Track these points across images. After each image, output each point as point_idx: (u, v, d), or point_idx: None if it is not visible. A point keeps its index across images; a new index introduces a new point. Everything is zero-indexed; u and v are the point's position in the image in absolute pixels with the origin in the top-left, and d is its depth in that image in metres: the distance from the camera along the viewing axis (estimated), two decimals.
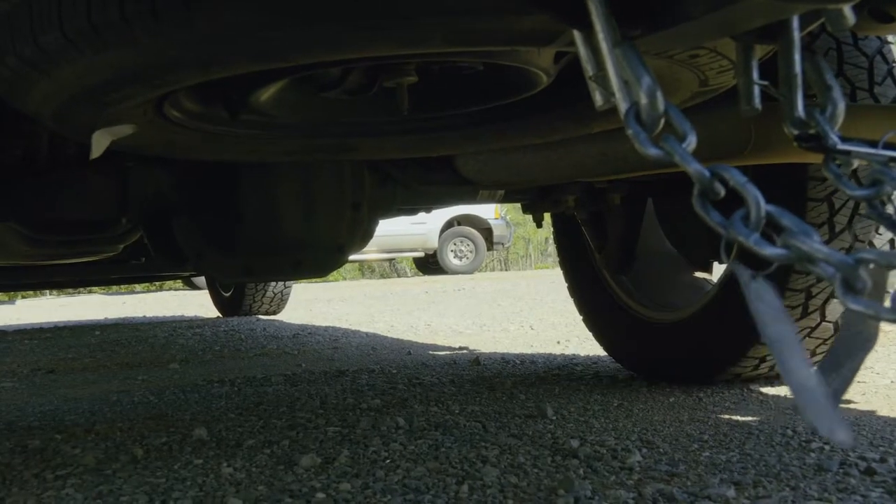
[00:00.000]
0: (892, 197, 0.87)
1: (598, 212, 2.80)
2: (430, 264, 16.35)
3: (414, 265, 18.35)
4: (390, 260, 19.12)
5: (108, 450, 2.11)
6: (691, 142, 0.83)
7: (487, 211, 15.93)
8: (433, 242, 15.84)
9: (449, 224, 15.91)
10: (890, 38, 2.36)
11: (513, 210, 17.70)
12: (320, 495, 1.61)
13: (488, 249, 16.62)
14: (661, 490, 1.54)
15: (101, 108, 1.38)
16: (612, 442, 1.95)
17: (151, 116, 1.50)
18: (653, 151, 0.84)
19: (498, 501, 1.54)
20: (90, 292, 16.38)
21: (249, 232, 2.22)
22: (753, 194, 0.79)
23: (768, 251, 0.77)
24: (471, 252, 16.16)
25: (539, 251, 27.73)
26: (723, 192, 0.81)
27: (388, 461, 1.87)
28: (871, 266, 0.72)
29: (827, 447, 1.83)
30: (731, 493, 1.51)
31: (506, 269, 24.95)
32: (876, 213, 0.89)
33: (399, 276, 20.41)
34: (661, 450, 1.87)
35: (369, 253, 15.68)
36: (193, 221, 2.19)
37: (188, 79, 1.25)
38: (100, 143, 1.51)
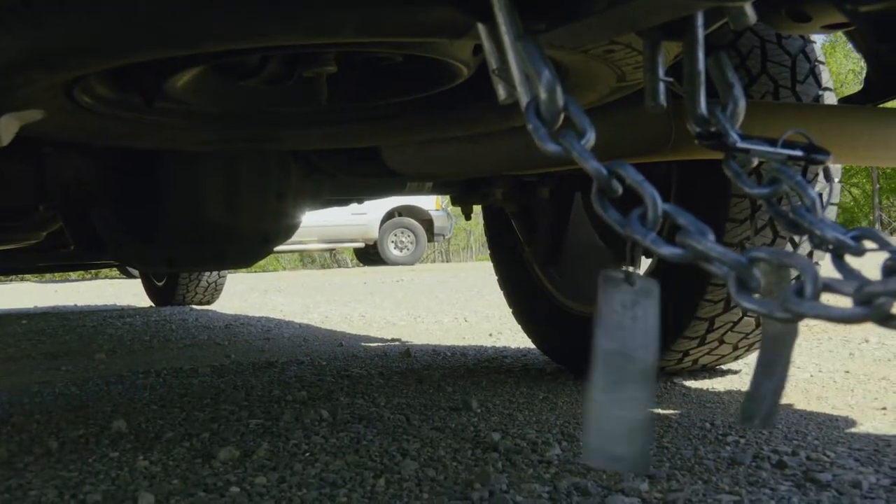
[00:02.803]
0: (790, 195, 0.88)
1: (527, 205, 2.81)
2: (370, 255, 16.28)
3: (355, 256, 18.27)
4: (331, 250, 19.02)
5: (23, 442, 2.06)
6: (590, 138, 0.83)
7: (428, 202, 15.91)
8: (374, 233, 15.77)
9: (390, 215, 15.85)
10: (813, 37, 2.40)
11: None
12: (235, 489, 1.59)
13: (429, 241, 16.60)
14: (576, 484, 1.55)
15: (7, 92, 1.34)
16: (533, 435, 1.95)
17: (62, 102, 1.46)
18: (551, 147, 0.83)
19: (414, 495, 1.54)
20: (21, 280, 16.04)
21: (171, 221, 2.18)
22: (650, 193, 0.79)
23: (665, 250, 0.77)
24: (411, 243, 16.12)
25: (480, 243, 27.81)
26: (620, 190, 0.81)
27: (307, 454, 1.85)
28: (764, 265, 0.72)
29: (742, 441, 1.85)
30: (645, 486, 1.53)
31: (447, 261, 25.00)
32: (774, 211, 0.89)
33: (340, 266, 20.33)
34: (581, 444, 1.88)
35: (309, 243, 15.58)
36: (113, 210, 2.14)
37: (94, 64, 1.22)
38: (8, 128, 1.46)
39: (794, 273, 0.74)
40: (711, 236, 0.75)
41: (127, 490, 1.61)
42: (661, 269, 2.50)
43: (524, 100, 0.87)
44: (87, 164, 2.13)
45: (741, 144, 0.90)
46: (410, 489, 1.57)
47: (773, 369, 0.85)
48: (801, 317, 0.67)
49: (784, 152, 0.89)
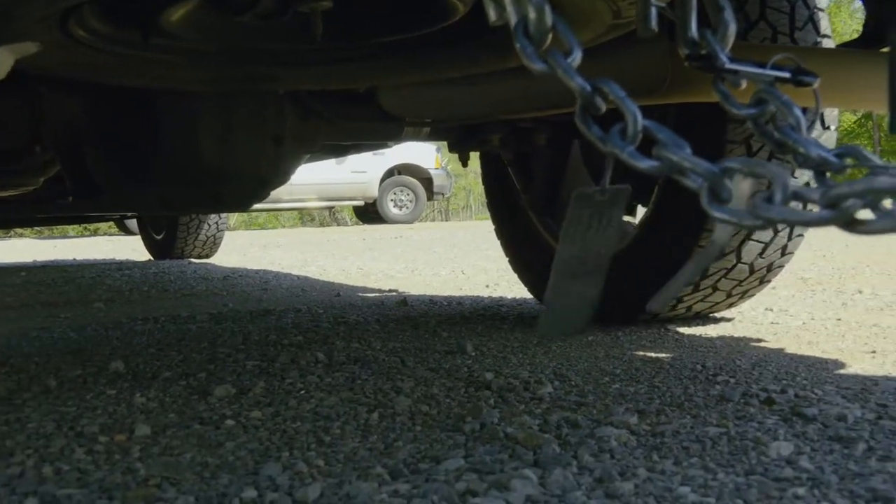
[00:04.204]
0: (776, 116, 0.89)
1: (525, 153, 2.81)
2: (370, 213, 16.29)
3: (354, 214, 18.28)
4: (330, 209, 19.01)
5: (21, 381, 2.08)
6: (576, 57, 0.83)
7: (428, 160, 15.89)
8: (373, 191, 15.76)
9: (389, 173, 15.84)
10: None
11: (454, 160, 17.68)
12: (230, 422, 1.61)
13: (428, 199, 16.60)
14: (566, 417, 1.57)
15: (1, 24, 1.34)
16: (525, 375, 1.98)
17: (56, 35, 1.46)
18: (539, 66, 0.84)
19: (406, 428, 1.56)
20: (20, 236, 16.05)
21: (167, 163, 2.19)
22: (631, 109, 0.80)
23: (642, 164, 0.78)
24: (411, 202, 16.12)
25: (480, 202, 27.79)
26: (604, 107, 0.82)
27: (302, 392, 1.87)
28: (737, 175, 0.73)
29: (731, 380, 1.88)
30: (634, 420, 1.55)
31: (446, 220, 25.00)
32: (761, 131, 0.90)
33: (339, 224, 20.34)
34: (573, 382, 1.91)
35: (309, 201, 15.59)
36: (109, 150, 2.15)
37: None
38: (3, 61, 1.47)
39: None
40: (688, 149, 0.76)
41: (124, 423, 1.64)
42: (656, 218, 2.51)
43: (513, 19, 0.87)
44: (83, 104, 2.13)
45: (730, 66, 0.91)
46: (403, 422, 1.59)
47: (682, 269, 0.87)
48: (770, 222, 0.68)
49: (772, 73, 0.90)
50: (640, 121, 0.78)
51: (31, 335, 2.95)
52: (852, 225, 0.63)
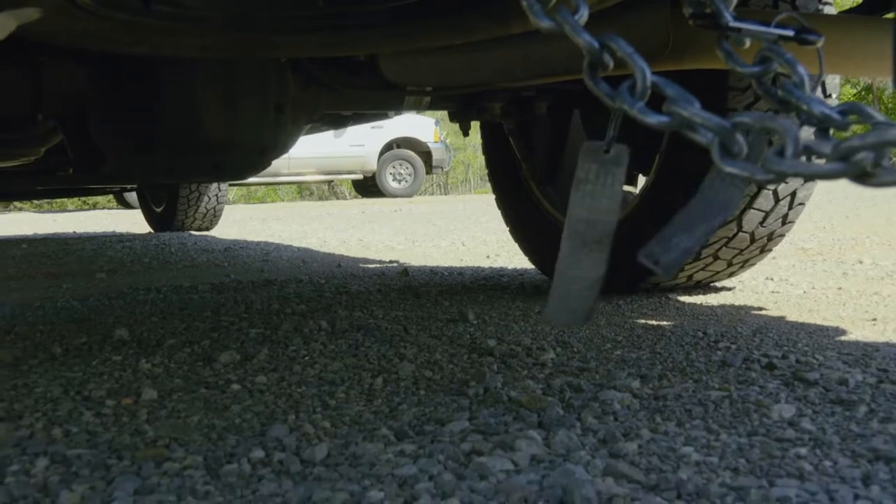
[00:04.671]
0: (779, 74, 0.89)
1: (525, 122, 2.81)
2: (369, 187, 16.26)
3: (353, 187, 18.25)
4: (329, 182, 18.98)
5: (27, 348, 2.10)
6: (583, 14, 0.84)
7: (427, 134, 15.85)
8: (372, 165, 15.73)
9: (388, 147, 15.80)
10: None
11: (452, 134, 17.65)
12: (235, 387, 1.63)
13: (427, 173, 16.57)
14: (569, 382, 1.59)
15: None
16: (528, 342, 1.99)
17: (58, 1, 1.45)
18: (545, 23, 0.84)
19: (410, 392, 1.57)
20: (20, 210, 16.04)
21: (169, 131, 2.19)
22: (640, 65, 0.80)
23: (651, 119, 0.78)
24: (410, 175, 16.09)
25: (479, 176, 27.74)
26: (611, 63, 0.82)
27: (306, 358, 1.89)
28: (748, 129, 0.74)
29: (733, 346, 1.89)
30: (637, 384, 1.56)
31: (445, 194, 24.97)
32: (764, 90, 0.91)
33: (338, 198, 20.31)
34: (575, 349, 1.92)
35: (307, 175, 15.56)
36: (111, 119, 2.15)
37: None
38: (4, 26, 1.47)
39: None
40: (698, 104, 0.77)
41: (131, 387, 1.65)
42: (657, 187, 2.51)
43: None
44: (85, 73, 2.13)
45: (734, 24, 0.91)
46: (407, 387, 1.61)
47: (693, 229, 0.87)
48: (782, 176, 0.69)
49: (775, 31, 0.90)
50: (650, 76, 0.78)
51: (35, 305, 2.96)
52: (863, 177, 0.63)
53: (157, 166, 2.26)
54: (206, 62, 2.16)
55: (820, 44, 0.93)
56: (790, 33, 0.91)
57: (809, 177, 0.66)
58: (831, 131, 0.82)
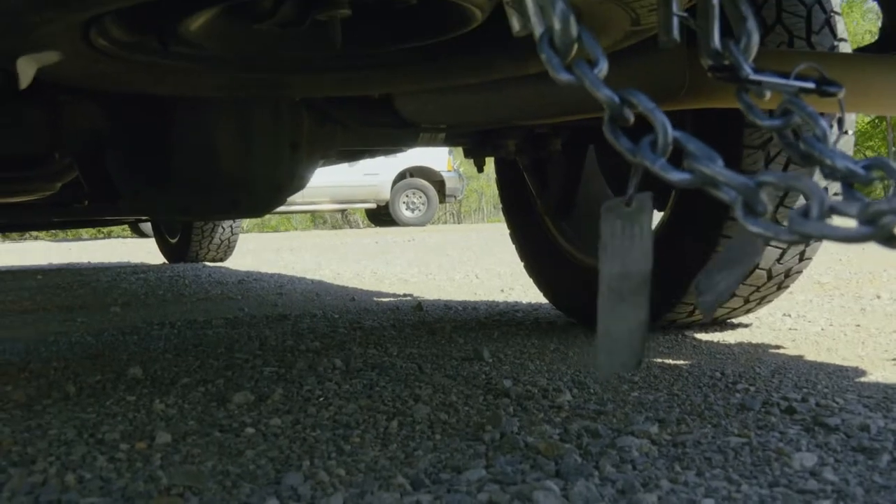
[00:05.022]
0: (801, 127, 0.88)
1: (540, 158, 2.80)
2: (382, 216, 16.31)
3: (366, 216, 18.30)
4: (342, 211, 19.04)
5: (41, 387, 2.09)
6: (602, 68, 0.83)
7: (440, 163, 15.91)
8: (385, 194, 15.79)
9: (401, 176, 15.86)
10: None
11: (466, 163, 17.68)
12: (250, 430, 1.62)
13: (440, 202, 16.62)
14: (586, 426, 1.57)
15: (25, 33, 1.35)
16: (544, 383, 1.97)
17: (78, 44, 1.46)
18: (565, 77, 0.83)
19: (426, 436, 1.56)
20: (35, 238, 16.13)
21: (185, 169, 2.19)
22: (661, 120, 0.79)
23: (674, 176, 0.77)
24: (423, 204, 16.13)
25: (492, 205, 27.79)
26: (632, 118, 0.82)
27: (321, 399, 1.87)
28: (772, 189, 0.73)
29: (752, 388, 1.87)
30: (655, 429, 1.54)
31: (459, 222, 25.00)
32: (785, 143, 0.90)
33: (351, 227, 20.36)
34: (592, 390, 1.90)
35: (321, 203, 15.62)
36: (128, 157, 2.16)
37: (110, 3, 1.22)
38: (26, 70, 1.47)
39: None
40: (720, 161, 0.76)
41: (145, 430, 1.64)
42: (673, 224, 2.50)
43: (538, 30, 0.87)
44: (102, 112, 2.14)
45: (754, 77, 0.90)
46: (423, 431, 1.59)
47: (732, 269, 0.87)
48: (807, 237, 0.68)
49: (796, 84, 0.89)
50: (671, 132, 0.77)
51: (49, 339, 2.96)
52: (890, 241, 0.62)
53: (173, 204, 2.27)
54: (222, 101, 2.17)
55: (841, 95, 0.92)
56: (811, 85, 0.90)
57: (835, 240, 0.65)
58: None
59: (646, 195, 0.91)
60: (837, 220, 0.67)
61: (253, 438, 1.57)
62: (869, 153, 28.32)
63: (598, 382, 1.96)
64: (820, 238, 0.66)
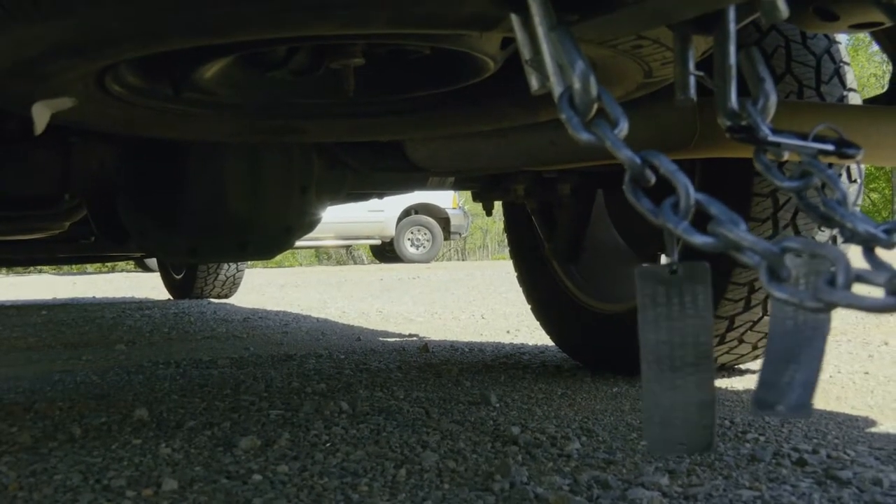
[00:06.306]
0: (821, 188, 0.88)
1: (548, 202, 2.81)
2: (386, 252, 16.31)
3: (371, 253, 18.30)
4: (347, 247, 19.05)
5: (46, 429, 2.08)
6: (623, 128, 0.83)
7: (445, 200, 15.93)
8: (390, 230, 15.79)
9: (406, 213, 15.87)
10: (838, 37, 2.39)
11: (471, 200, 17.72)
12: (257, 477, 1.60)
13: (445, 239, 16.61)
14: (596, 477, 1.56)
15: (41, 80, 1.36)
16: (552, 430, 1.96)
17: (93, 90, 1.47)
18: (585, 136, 0.84)
19: (434, 486, 1.54)
20: (40, 272, 16.14)
21: (194, 211, 2.20)
22: (683, 182, 0.79)
23: (697, 239, 0.77)
24: (428, 241, 16.13)
25: (497, 242, 27.81)
26: (653, 179, 0.82)
27: (328, 444, 1.86)
28: (796, 255, 0.72)
29: (762, 438, 1.85)
30: (665, 480, 1.53)
31: (463, 259, 25.00)
32: (805, 205, 0.90)
33: (356, 263, 20.36)
34: (600, 438, 1.89)
35: (326, 239, 15.63)
36: (137, 199, 2.16)
37: (126, 52, 1.23)
38: (41, 116, 1.48)
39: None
40: (744, 225, 0.76)
41: (151, 476, 1.63)
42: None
43: (557, 90, 0.87)
44: (113, 154, 2.15)
45: (772, 138, 0.90)
46: (431, 479, 1.58)
47: (799, 357, 0.85)
48: (832, 306, 0.68)
49: (815, 146, 0.89)
50: (693, 195, 0.77)
51: (54, 378, 2.95)
52: None
53: (182, 246, 2.27)
54: (234, 144, 2.18)
55: (860, 157, 0.92)
56: (830, 148, 0.90)
57: (862, 309, 0.65)
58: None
59: (702, 265, 0.90)
60: (864, 289, 0.67)
61: (260, 486, 1.55)
62: (874, 195, 28.35)
63: (606, 430, 1.95)
64: (846, 307, 0.66)
